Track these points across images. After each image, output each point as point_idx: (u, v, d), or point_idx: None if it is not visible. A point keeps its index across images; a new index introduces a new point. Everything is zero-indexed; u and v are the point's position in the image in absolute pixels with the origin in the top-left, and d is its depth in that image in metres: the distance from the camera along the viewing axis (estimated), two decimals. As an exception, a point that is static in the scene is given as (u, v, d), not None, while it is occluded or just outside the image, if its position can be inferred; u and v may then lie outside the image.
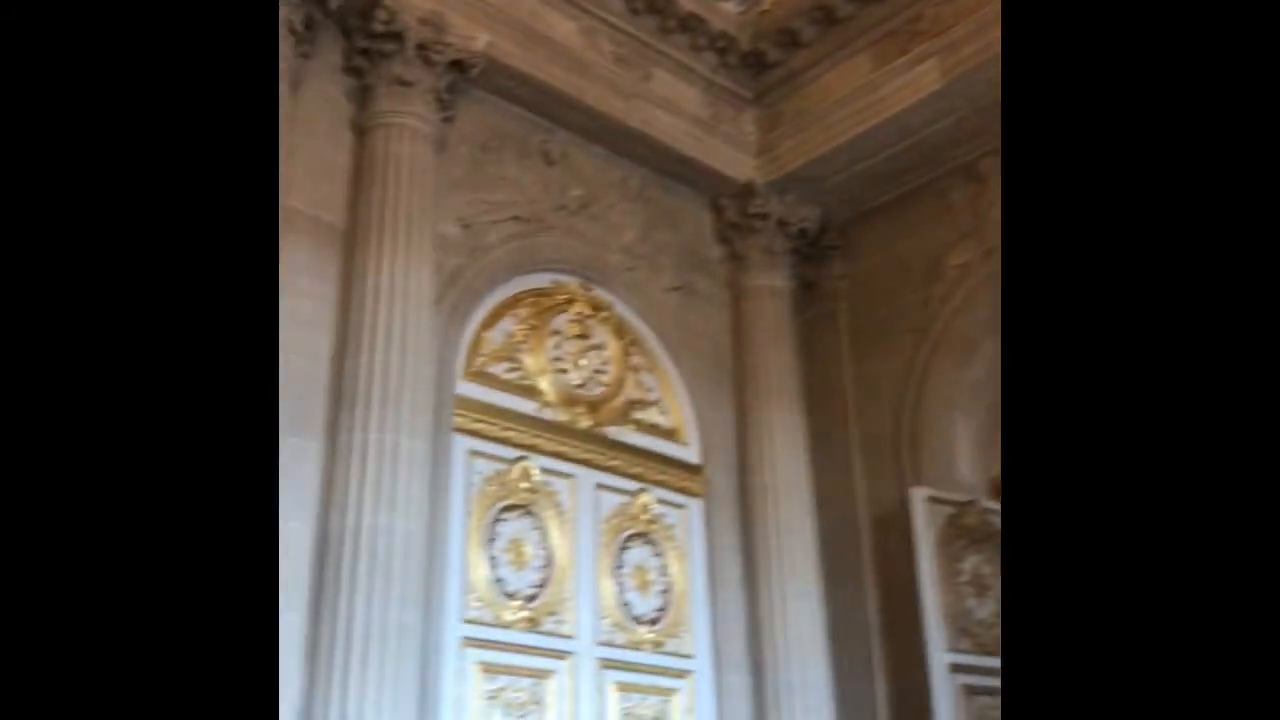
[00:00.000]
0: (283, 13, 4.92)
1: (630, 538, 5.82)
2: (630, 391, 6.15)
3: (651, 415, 6.21)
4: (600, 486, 5.79)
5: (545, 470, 5.57)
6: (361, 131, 5.35)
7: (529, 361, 5.76)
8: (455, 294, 5.46)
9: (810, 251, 6.99)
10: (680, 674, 5.76)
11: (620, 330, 6.24)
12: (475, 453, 5.33)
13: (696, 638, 5.89)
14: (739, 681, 5.88)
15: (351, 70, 5.43)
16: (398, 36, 5.33)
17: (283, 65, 4.91)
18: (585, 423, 5.84)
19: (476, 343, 5.58)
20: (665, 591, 5.86)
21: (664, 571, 5.90)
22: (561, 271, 6.07)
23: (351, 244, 5.10)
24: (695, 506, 6.18)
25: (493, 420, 5.46)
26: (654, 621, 5.74)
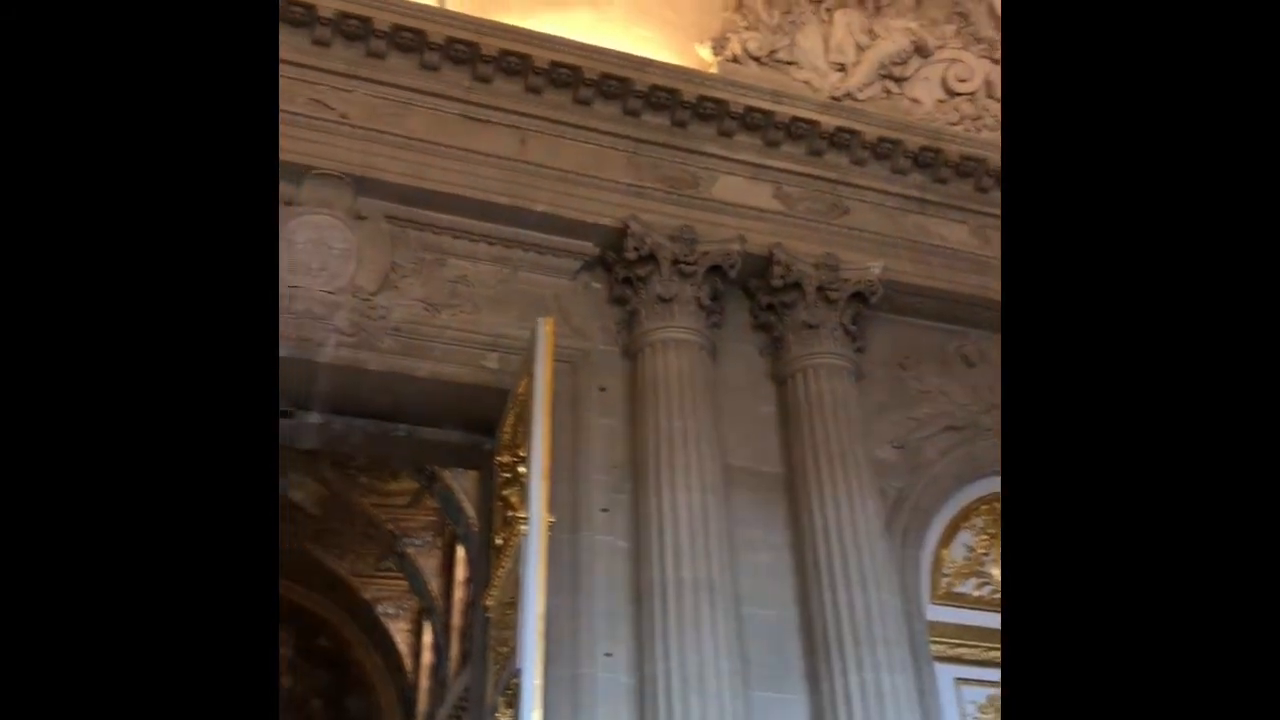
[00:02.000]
0: (689, 291, 5.36)
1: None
2: (1119, 587, 5.57)
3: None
4: (1112, 699, 5.18)
5: (1044, 689, 5.10)
6: (780, 380, 5.55)
7: (998, 574, 5.42)
8: (904, 517, 5.34)
9: None
10: None
11: (1090, 521, 5.74)
12: (962, 680, 5.04)
13: None
14: None
15: (760, 326, 5.72)
16: (796, 285, 5.58)
17: (698, 339, 5.32)
18: (1076, 630, 5.33)
19: (937, 563, 5.38)
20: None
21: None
22: (1010, 472, 5.77)
23: (793, 488, 5.19)
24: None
25: (973, 642, 5.14)
26: None
